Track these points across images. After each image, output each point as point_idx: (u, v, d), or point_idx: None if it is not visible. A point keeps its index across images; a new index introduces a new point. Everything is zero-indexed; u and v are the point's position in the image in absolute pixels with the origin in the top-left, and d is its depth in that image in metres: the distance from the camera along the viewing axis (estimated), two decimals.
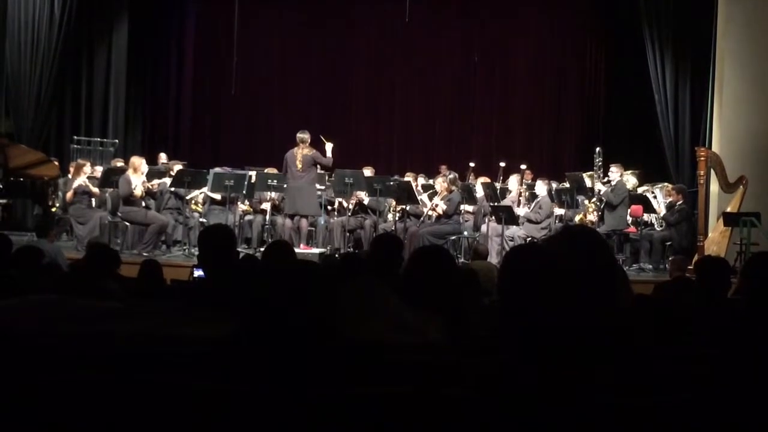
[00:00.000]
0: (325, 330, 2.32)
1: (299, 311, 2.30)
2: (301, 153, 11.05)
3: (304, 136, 11.15)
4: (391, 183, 11.45)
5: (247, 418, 2.03)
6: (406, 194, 11.07)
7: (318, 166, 11.24)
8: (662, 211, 11.58)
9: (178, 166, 11.91)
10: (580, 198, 11.79)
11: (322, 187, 11.97)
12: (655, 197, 11.79)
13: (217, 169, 11.86)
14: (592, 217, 11.56)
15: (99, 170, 12.36)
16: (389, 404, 2.03)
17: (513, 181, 11.97)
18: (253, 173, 11.79)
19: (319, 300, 2.34)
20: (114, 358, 2.45)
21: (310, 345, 2.27)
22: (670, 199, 11.61)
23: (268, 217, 11.92)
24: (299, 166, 10.99)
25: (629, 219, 11.47)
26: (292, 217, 11.25)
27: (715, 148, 11.36)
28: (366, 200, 11.81)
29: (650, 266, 11.08)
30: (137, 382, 2.10)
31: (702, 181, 10.50)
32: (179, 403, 2.07)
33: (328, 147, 11.33)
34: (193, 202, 11.80)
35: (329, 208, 12.16)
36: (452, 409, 2.01)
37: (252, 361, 2.24)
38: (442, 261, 3.28)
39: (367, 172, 12.30)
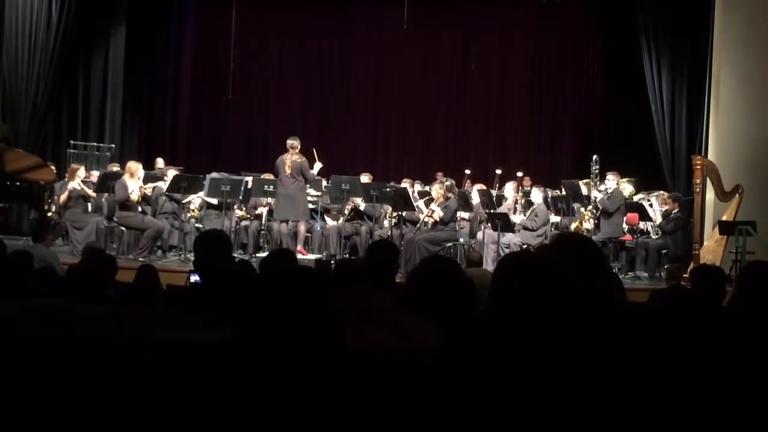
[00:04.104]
0: (323, 336, 2.32)
1: (297, 318, 2.31)
2: (290, 159, 11.07)
3: (293, 142, 11.18)
4: (388, 189, 11.47)
5: (244, 424, 2.03)
6: (403, 201, 11.08)
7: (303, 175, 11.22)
8: (658, 219, 11.59)
9: (172, 172, 11.92)
10: (575, 206, 11.80)
11: (318, 193, 11.99)
12: (650, 205, 11.81)
13: (214, 174, 11.88)
14: (588, 224, 11.58)
15: (95, 175, 12.37)
16: (387, 411, 2.03)
17: (509, 189, 11.99)
18: (249, 179, 11.81)
19: (317, 306, 2.34)
20: (110, 362, 2.45)
21: (307, 351, 2.27)
22: (666, 207, 11.63)
23: (264, 222, 11.94)
24: (288, 171, 11.02)
25: (625, 227, 11.49)
26: (287, 222, 11.27)
27: (711, 156, 11.38)
28: (362, 206, 11.82)
29: (646, 274, 11.09)
30: (133, 387, 2.10)
31: (698, 190, 10.50)
32: (175, 408, 2.07)
33: (317, 166, 11.44)
34: (192, 208, 11.81)
35: (325, 216, 12.17)
36: (449, 416, 2.02)
37: (249, 366, 2.24)
38: (454, 274, 3.29)
39: (364, 178, 12.31)
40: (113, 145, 14.85)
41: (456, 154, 16.79)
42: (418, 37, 16.33)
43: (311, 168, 11.25)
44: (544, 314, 2.19)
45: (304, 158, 11.18)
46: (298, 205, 11.15)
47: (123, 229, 11.05)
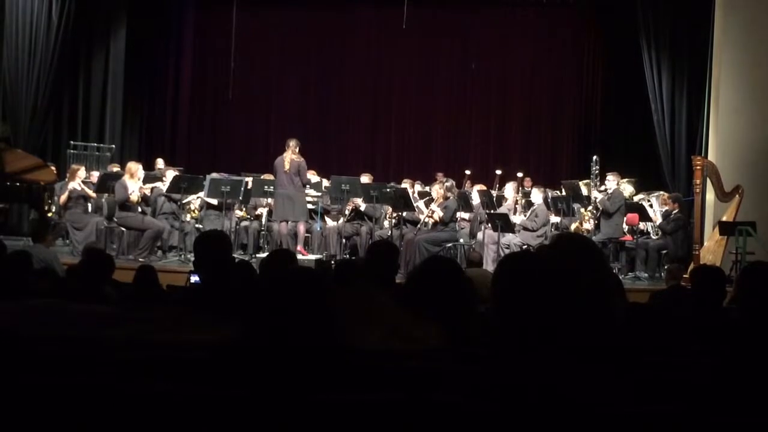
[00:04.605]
0: (323, 336, 2.32)
1: (298, 318, 2.31)
2: (289, 157, 11.06)
3: (292, 142, 11.19)
4: (388, 190, 11.46)
5: (244, 424, 2.03)
6: (403, 201, 11.07)
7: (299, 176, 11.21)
8: (658, 219, 11.59)
9: (171, 172, 11.91)
10: (576, 206, 11.80)
11: (318, 194, 11.98)
12: (651, 206, 11.81)
13: (214, 175, 11.88)
14: (588, 225, 11.58)
15: (95, 175, 12.38)
16: (387, 411, 2.03)
17: (509, 189, 11.98)
18: (249, 179, 11.80)
19: (317, 307, 2.35)
20: (110, 362, 2.45)
21: (308, 352, 2.27)
22: (666, 208, 11.63)
23: (264, 222, 11.93)
24: (287, 167, 11.00)
25: (625, 227, 11.48)
26: (287, 222, 11.27)
27: (711, 157, 11.38)
28: (362, 207, 11.81)
29: (646, 275, 11.08)
30: (133, 387, 2.10)
31: (698, 190, 10.51)
32: (175, 408, 2.07)
33: (314, 177, 11.67)
34: (192, 208, 11.82)
35: (325, 216, 12.17)
36: (450, 416, 2.02)
37: (249, 366, 2.24)
38: (454, 274, 3.29)
39: (365, 178, 12.32)
40: (113, 146, 14.86)
41: (456, 154, 16.80)
42: (418, 37, 16.34)
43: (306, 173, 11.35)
44: (544, 314, 2.19)
45: (303, 159, 11.18)
46: (297, 206, 11.14)
47: (123, 229, 11.05)
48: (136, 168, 11.03)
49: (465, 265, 9.15)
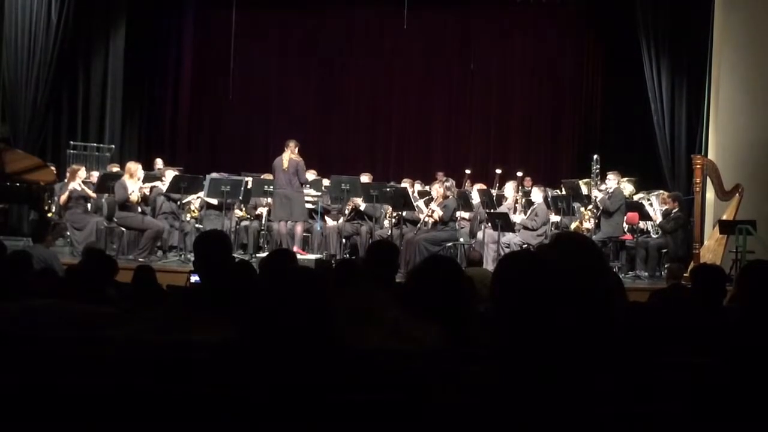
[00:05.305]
0: (323, 336, 2.32)
1: (298, 317, 2.31)
2: (288, 156, 11.06)
3: (291, 142, 11.20)
4: (388, 189, 11.46)
5: (244, 424, 2.03)
6: (403, 200, 11.07)
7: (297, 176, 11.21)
8: (658, 218, 11.59)
9: (170, 172, 11.92)
10: (576, 205, 11.81)
11: (318, 193, 11.99)
12: (650, 205, 11.82)
13: (214, 175, 11.88)
14: (588, 224, 11.59)
15: (95, 175, 12.38)
16: (387, 411, 2.03)
17: (509, 188, 11.99)
18: (249, 179, 11.81)
19: (317, 306, 2.34)
20: (110, 362, 2.45)
21: (307, 351, 2.27)
22: (666, 207, 11.63)
23: (264, 222, 11.94)
24: (285, 165, 11.00)
25: (625, 226, 11.49)
26: (286, 222, 11.27)
27: (711, 156, 11.39)
28: (362, 206, 11.81)
29: (646, 274, 11.09)
30: (133, 387, 2.10)
31: (698, 189, 10.51)
32: (175, 408, 2.07)
33: (311, 175, 11.71)
34: (192, 208, 11.82)
35: (325, 216, 12.17)
36: (450, 416, 2.01)
37: (249, 367, 2.24)
38: (454, 273, 3.29)
39: (364, 178, 12.31)
40: (113, 146, 14.84)
41: (456, 154, 16.79)
42: (419, 37, 16.33)
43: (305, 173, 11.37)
44: (544, 314, 2.19)
45: (301, 159, 11.19)
46: (295, 206, 11.14)
47: (123, 229, 11.05)
48: (135, 168, 11.02)
49: (465, 265, 9.14)
